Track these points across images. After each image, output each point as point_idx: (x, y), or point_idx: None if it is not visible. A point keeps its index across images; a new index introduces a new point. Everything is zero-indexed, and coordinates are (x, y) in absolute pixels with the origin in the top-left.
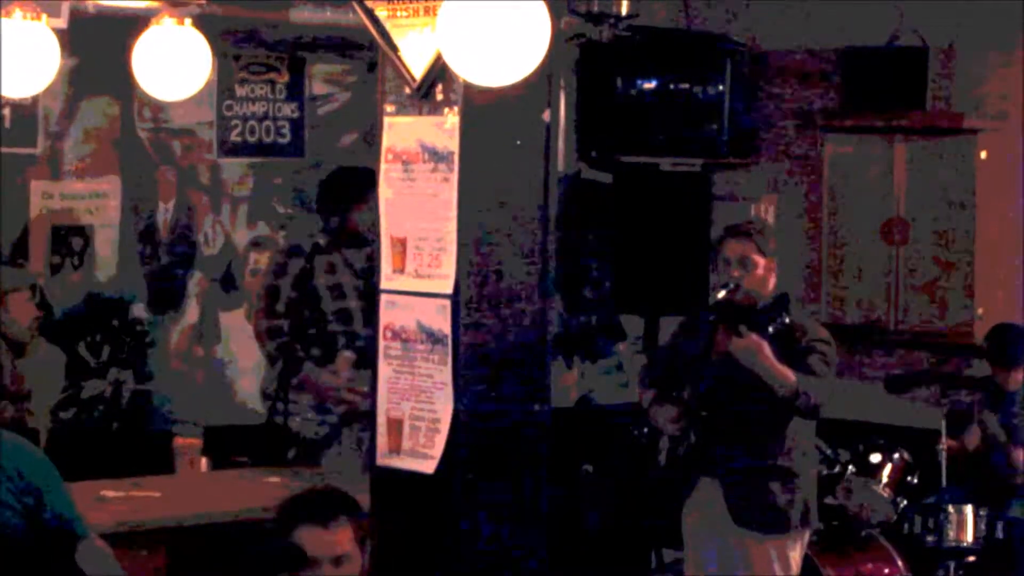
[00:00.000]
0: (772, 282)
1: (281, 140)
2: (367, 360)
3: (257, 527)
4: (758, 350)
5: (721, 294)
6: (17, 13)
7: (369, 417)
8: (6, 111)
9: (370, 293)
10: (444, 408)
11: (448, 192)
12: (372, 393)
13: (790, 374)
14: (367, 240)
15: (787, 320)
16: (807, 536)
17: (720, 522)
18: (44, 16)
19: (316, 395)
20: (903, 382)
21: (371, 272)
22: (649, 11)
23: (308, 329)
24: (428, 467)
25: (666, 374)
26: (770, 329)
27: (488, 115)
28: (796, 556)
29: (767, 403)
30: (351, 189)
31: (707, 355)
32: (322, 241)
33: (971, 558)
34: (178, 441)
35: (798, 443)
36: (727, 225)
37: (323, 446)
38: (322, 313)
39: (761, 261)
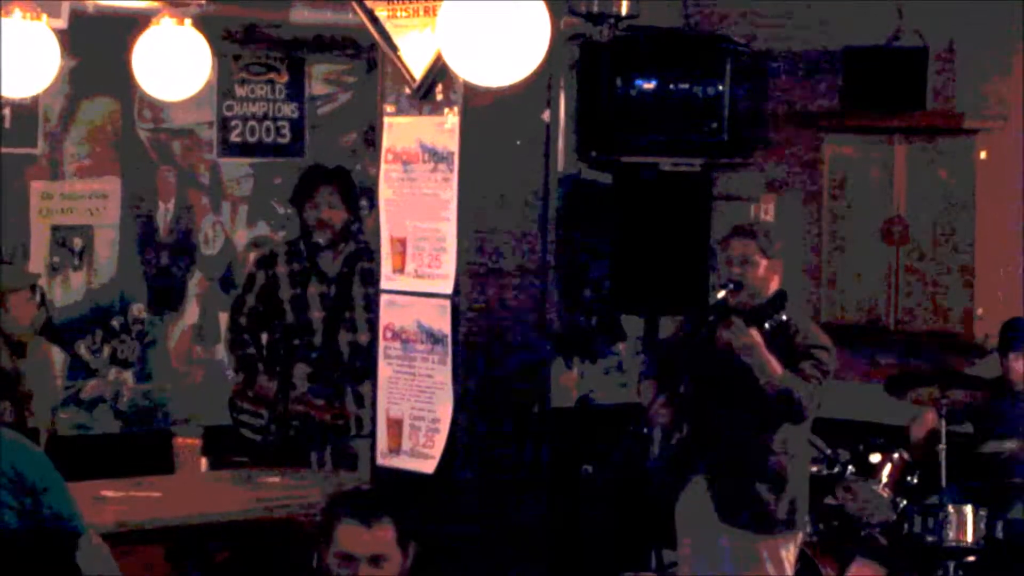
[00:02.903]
0: (774, 284)
1: (281, 140)
2: (323, 374)
3: (256, 527)
4: (751, 334)
5: (721, 294)
6: (17, 13)
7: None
8: (6, 111)
9: (340, 303)
10: (444, 408)
11: (448, 192)
12: (373, 393)
13: (778, 367)
14: (335, 240)
15: (783, 317)
16: (799, 540)
17: (711, 520)
18: (44, 16)
19: (269, 407)
20: (903, 382)
21: (348, 280)
22: (649, 11)
23: (270, 340)
24: (428, 467)
25: (665, 368)
26: (766, 325)
27: (488, 115)
28: (790, 558)
29: (757, 402)
30: (304, 186)
31: (705, 352)
32: (302, 246)
33: (971, 558)
34: (178, 441)
35: (788, 445)
36: (734, 225)
37: (284, 457)
38: (286, 326)
39: (763, 262)
